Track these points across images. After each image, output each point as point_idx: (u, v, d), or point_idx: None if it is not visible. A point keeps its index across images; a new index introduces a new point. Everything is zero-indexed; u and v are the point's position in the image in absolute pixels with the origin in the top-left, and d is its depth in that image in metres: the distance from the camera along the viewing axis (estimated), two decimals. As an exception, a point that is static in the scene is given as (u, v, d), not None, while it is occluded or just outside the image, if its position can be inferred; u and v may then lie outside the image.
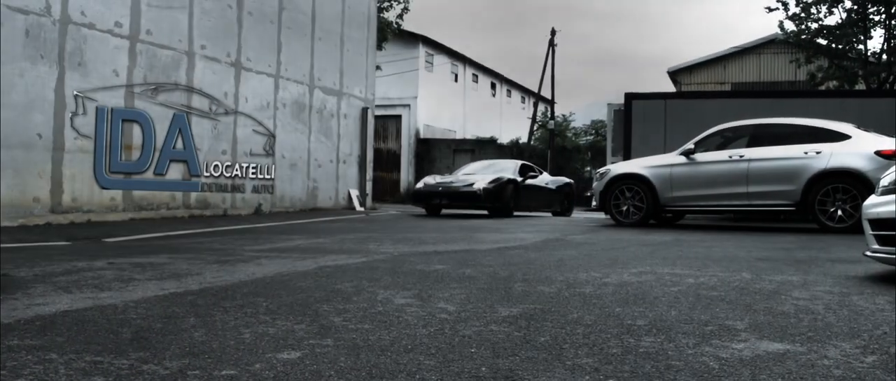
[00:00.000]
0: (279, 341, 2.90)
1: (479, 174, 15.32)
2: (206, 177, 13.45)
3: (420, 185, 15.37)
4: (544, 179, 17.17)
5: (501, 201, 14.35)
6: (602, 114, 36.54)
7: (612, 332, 3.10)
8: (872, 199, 4.84)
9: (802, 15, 21.78)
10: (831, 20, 21.72)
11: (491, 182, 14.35)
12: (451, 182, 14.91)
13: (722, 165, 10.59)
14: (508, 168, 15.99)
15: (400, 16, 27.14)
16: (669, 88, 30.85)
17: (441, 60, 35.75)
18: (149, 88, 12.20)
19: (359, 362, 2.59)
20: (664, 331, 3.12)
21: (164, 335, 3.00)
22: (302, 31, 16.08)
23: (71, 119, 10.84)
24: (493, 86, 43.02)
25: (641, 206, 11.12)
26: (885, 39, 21.21)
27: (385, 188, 30.40)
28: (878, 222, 4.62)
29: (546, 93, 38.03)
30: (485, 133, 35.75)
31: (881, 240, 4.58)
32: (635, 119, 15.34)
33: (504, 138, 35.04)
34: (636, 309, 3.65)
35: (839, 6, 21.41)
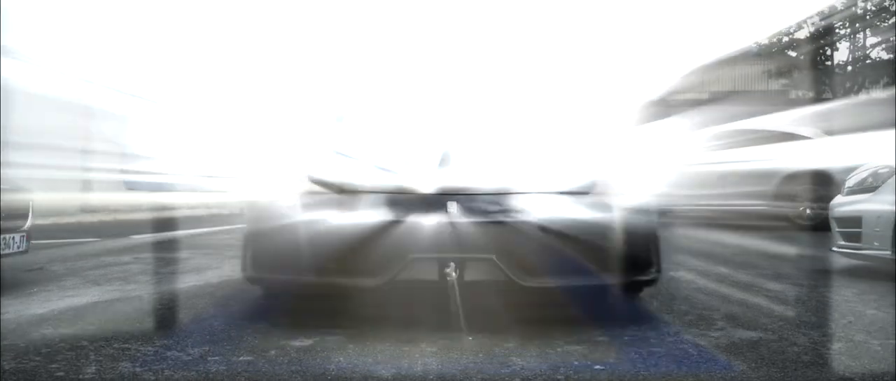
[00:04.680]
0: (293, 329, 2.91)
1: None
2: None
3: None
4: None
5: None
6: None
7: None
8: (838, 198, 4.86)
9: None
10: (801, 34, 21.99)
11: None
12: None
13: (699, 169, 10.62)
14: None
15: None
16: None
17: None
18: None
19: (365, 349, 2.60)
20: (647, 320, 3.14)
21: (186, 324, 3.01)
22: None
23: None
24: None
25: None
26: (850, 51, 21.60)
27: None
28: (843, 220, 4.64)
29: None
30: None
31: (846, 237, 4.60)
32: None
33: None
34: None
35: (808, 22, 21.69)
